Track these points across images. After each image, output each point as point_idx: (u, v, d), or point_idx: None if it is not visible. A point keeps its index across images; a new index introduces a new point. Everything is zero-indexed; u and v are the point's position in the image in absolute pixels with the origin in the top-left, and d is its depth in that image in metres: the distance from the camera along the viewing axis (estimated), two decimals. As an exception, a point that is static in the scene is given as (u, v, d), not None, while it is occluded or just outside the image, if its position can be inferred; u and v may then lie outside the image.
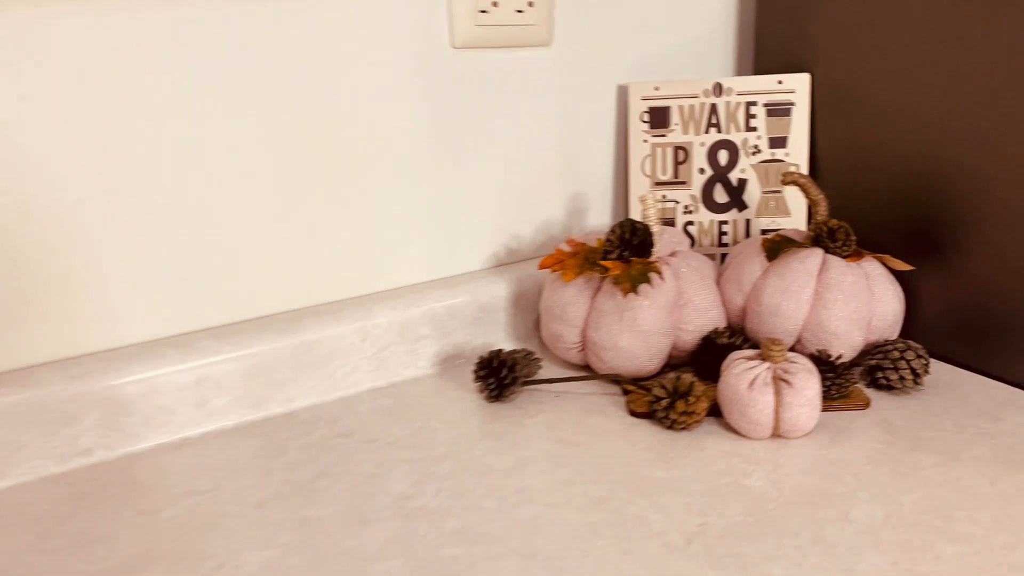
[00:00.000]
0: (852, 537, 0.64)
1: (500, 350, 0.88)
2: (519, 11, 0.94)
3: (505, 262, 1.03)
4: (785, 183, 0.91)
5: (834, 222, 0.90)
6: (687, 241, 0.98)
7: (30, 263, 0.77)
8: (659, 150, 1.04)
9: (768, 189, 1.04)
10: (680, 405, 0.79)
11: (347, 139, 0.90)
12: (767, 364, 0.78)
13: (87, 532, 0.68)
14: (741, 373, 0.78)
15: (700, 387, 0.80)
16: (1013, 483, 0.70)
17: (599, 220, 1.09)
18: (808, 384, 0.76)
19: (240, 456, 0.79)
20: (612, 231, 0.90)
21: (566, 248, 0.92)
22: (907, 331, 0.94)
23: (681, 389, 0.80)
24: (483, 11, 0.92)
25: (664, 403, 0.80)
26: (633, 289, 0.84)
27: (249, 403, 0.86)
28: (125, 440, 0.80)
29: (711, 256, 1.05)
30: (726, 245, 1.05)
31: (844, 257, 0.89)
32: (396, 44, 0.90)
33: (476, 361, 0.88)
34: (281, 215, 0.88)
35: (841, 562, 0.61)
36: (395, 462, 0.77)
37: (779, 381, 0.77)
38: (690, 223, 1.05)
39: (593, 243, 0.93)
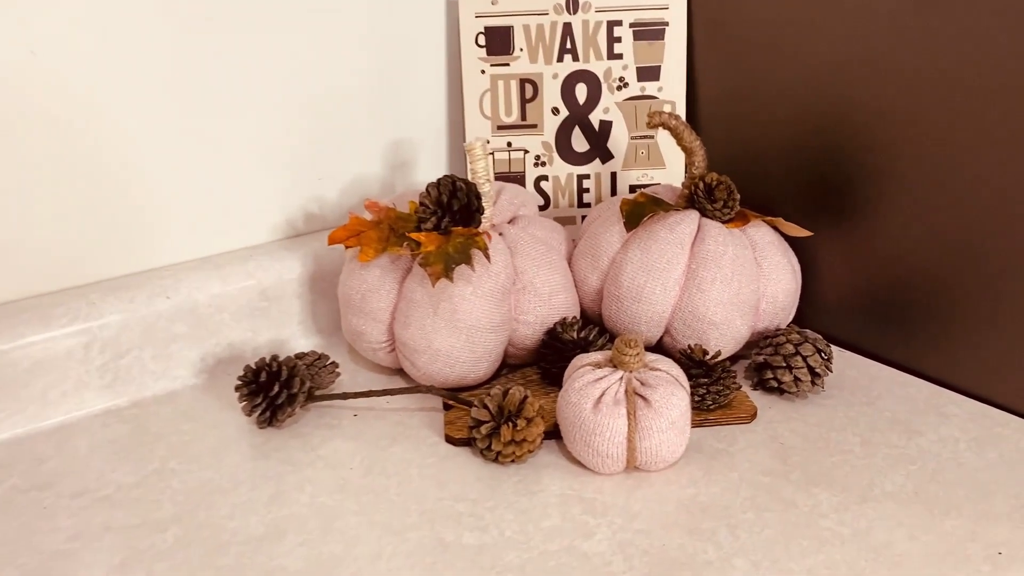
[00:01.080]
0: (723, 643, 0.45)
1: (275, 356, 0.65)
2: None
3: (302, 232, 0.79)
4: (652, 126, 0.70)
5: (713, 176, 0.69)
6: (535, 202, 0.76)
7: None
8: (501, 83, 0.81)
9: (638, 134, 0.83)
10: (506, 432, 0.58)
11: (66, 80, 0.64)
12: (620, 373, 0.58)
13: None
14: (584, 388, 0.57)
15: (534, 405, 0.59)
16: (940, 536, 0.52)
17: (432, 173, 0.86)
18: (671, 401, 0.56)
19: None
20: (426, 192, 0.67)
21: (367, 216, 0.69)
22: (803, 313, 0.75)
23: (508, 409, 0.59)
24: None
25: (485, 429, 0.59)
26: (446, 274, 0.62)
27: (-86, 442, 0.61)
28: None
29: (569, 220, 0.84)
30: (588, 205, 0.84)
31: (725, 222, 0.69)
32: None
33: (240, 374, 0.65)
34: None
35: None
36: (100, 530, 0.54)
37: (635, 397, 0.57)
38: (543, 178, 0.84)
39: (406, 208, 0.71)
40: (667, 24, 0.80)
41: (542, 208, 0.84)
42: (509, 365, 0.71)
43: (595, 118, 0.82)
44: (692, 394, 0.62)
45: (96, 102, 0.66)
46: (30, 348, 0.64)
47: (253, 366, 0.64)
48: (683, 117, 0.82)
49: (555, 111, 0.82)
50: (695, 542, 0.51)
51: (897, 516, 0.53)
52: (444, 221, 0.66)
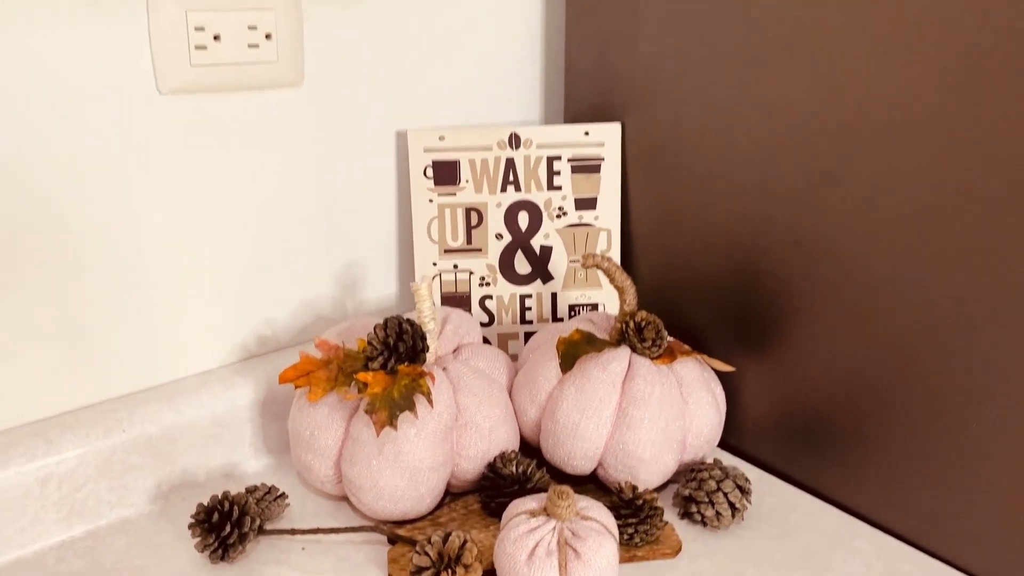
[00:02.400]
0: None
1: (226, 493, 0.68)
2: (253, 45, 0.73)
3: (254, 354, 0.83)
4: (586, 266, 0.75)
5: (643, 316, 0.75)
6: (478, 328, 0.80)
7: None
8: (448, 211, 0.86)
9: (576, 258, 0.88)
10: (445, 579, 0.62)
11: (19, 211, 0.67)
12: (553, 523, 0.62)
13: None
14: (519, 539, 0.62)
15: (473, 551, 0.63)
16: None
17: (381, 292, 0.90)
18: (600, 552, 0.61)
19: None
20: (374, 333, 0.71)
21: (316, 354, 0.73)
22: (727, 436, 0.81)
23: (449, 555, 0.63)
24: (200, 47, 0.70)
25: None
26: (390, 421, 0.66)
27: None
28: None
29: (512, 336, 0.89)
30: (530, 322, 0.89)
31: (654, 359, 0.74)
32: (83, 88, 0.67)
33: (193, 512, 0.68)
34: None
35: None
36: None
37: (566, 548, 0.61)
38: (487, 297, 0.88)
39: (354, 343, 0.74)
40: (603, 159, 0.86)
41: (486, 325, 0.88)
42: (452, 493, 0.75)
43: (536, 243, 0.87)
44: (621, 533, 0.67)
45: (35, 237, 0.69)
46: (-13, 488, 0.67)
47: (206, 504, 0.67)
48: (618, 243, 0.87)
49: (499, 236, 0.87)
50: None
51: (801, 664, 0.58)
52: (391, 362, 0.70)
